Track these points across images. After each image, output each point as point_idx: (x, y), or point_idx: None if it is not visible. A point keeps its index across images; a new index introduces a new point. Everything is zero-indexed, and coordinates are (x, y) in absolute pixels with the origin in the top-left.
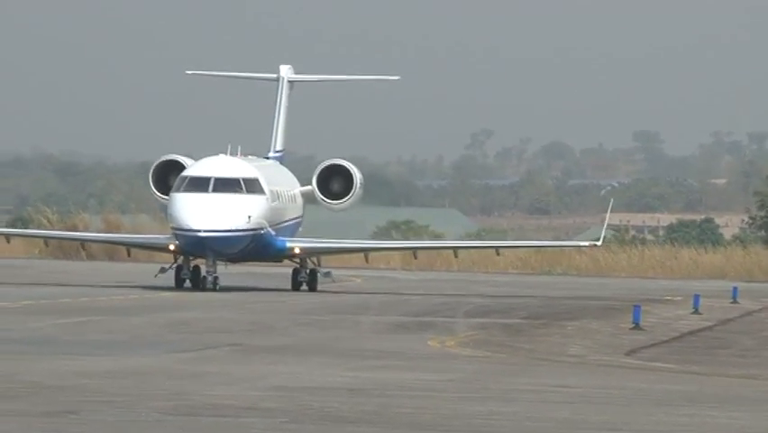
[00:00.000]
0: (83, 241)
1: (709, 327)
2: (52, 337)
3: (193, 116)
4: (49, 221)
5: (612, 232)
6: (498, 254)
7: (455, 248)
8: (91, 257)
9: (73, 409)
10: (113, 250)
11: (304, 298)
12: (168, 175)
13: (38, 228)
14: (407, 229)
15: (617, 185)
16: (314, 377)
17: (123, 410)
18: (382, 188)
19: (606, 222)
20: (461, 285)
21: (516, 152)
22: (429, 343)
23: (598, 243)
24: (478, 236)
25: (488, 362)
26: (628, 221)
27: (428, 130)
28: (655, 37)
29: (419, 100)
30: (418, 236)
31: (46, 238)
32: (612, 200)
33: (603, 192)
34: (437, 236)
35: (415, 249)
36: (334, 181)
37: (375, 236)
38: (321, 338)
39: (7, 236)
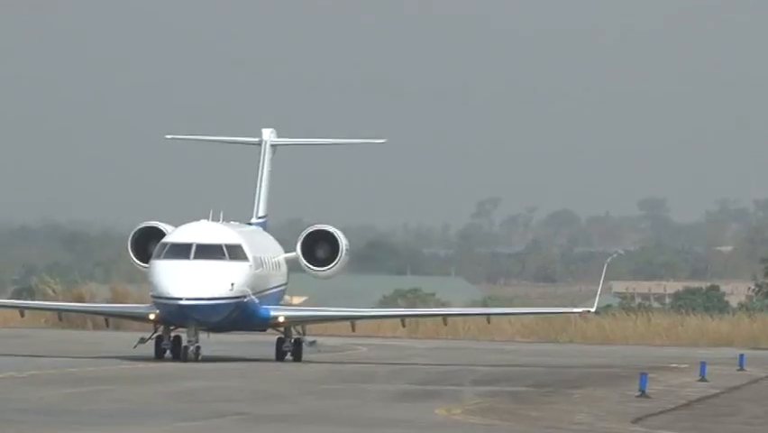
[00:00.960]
0: (60, 311)
1: (716, 395)
2: (59, 407)
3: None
4: (54, 291)
5: (618, 299)
6: (488, 322)
7: (445, 315)
8: (98, 327)
9: None
10: (119, 320)
11: (308, 366)
12: (147, 242)
13: (43, 299)
14: (414, 297)
15: (623, 252)
16: None
17: None
18: (389, 257)
19: (600, 288)
20: (467, 353)
21: (523, 220)
22: (436, 411)
23: (592, 309)
24: (484, 304)
25: (495, 430)
26: (634, 289)
27: (434, 198)
28: (660, 107)
29: (424, 166)
30: (425, 304)
31: (21, 309)
32: (606, 265)
33: (609, 260)
34: (443, 304)
35: (403, 317)
36: (320, 247)
37: (381, 305)
38: (327, 407)
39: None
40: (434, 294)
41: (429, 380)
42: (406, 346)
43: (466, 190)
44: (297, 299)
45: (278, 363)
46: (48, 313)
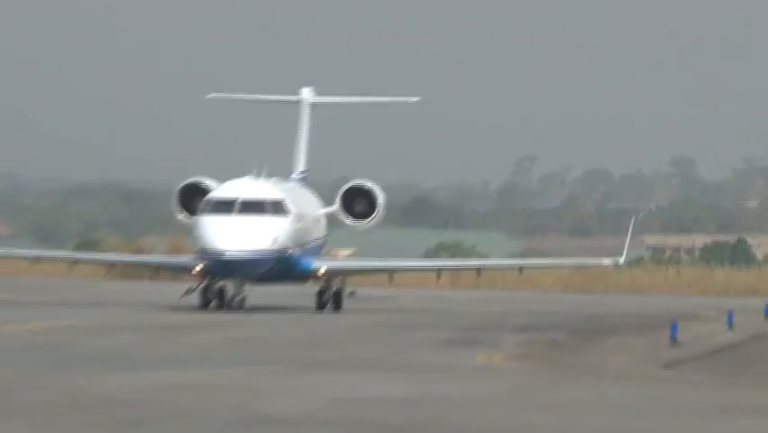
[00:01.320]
0: (111, 263)
1: (743, 342)
2: (119, 353)
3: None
4: (114, 245)
5: (650, 252)
6: (520, 273)
7: (479, 267)
8: (155, 278)
9: (140, 421)
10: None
11: (354, 315)
12: (191, 197)
13: (103, 252)
14: (455, 251)
15: (654, 208)
16: (368, 389)
17: (188, 422)
18: (432, 212)
19: (627, 241)
20: (506, 303)
21: (559, 177)
22: (477, 357)
23: (621, 260)
24: (521, 257)
25: (532, 375)
26: (665, 242)
27: (474, 156)
28: (689, 69)
29: (466, 125)
30: (466, 257)
31: (77, 261)
32: (633, 220)
33: (641, 215)
34: (483, 257)
35: (439, 269)
36: (358, 202)
37: (424, 257)
38: (374, 353)
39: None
40: (474, 247)
41: (470, 328)
42: (448, 297)
43: (505, 148)
44: (345, 252)
45: (329, 313)
46: (106, 265)
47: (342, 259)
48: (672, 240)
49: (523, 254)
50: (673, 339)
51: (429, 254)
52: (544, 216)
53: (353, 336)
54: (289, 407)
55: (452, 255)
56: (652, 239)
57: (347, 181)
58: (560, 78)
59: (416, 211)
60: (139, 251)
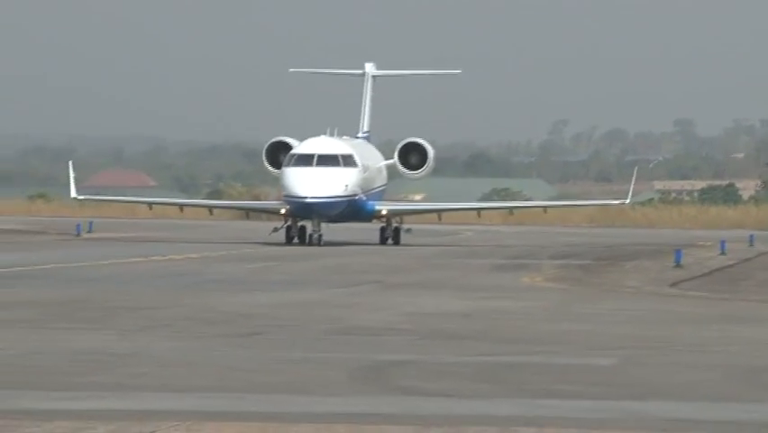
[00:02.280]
0: (210, 207)
1: (733, 265)
2: (243, 278)
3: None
4: (238, 192)
5: (658, 195)
6: (545, 212)
7: (510, 207)
8: (272, 219)
9: (258, 331)
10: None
11: (422, 247)
12: (277, 153)
13: (229, 199)
14: (506, 195)
15: (661, 159)
16: (437, 305)
17: (296, 331)
18: (486, 165)
19: (632, 186)
20: (545, 236)
21: (586, 136)
22: (522, 279)
23: (627, 201)
24: (558, 199)
25: (567, 293)
26: (670, 187)
27: (519, 119)
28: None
29: (513, 94)
30: (513, 199)
31: (181, 206)
32: (636, 169)
33: (651, 165)
34: (527, 199)
35: (478, 209)
36: (412, 156)
37: (480, 200)
38: (441, 277)
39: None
40: (520, 191)
41: (516, 256)
42: (500, 231)
43: (543, 112)
44: (417, 196)
45: (390, 246)
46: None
47: (400, 202)
48: (676, 185)
49: (558, 197)
50: (677, 263)
51: (484, 199)
52: (575, 166)
53: (423, 264)
54: (374, 320)
55: (502, 199)
56: (659, 184)
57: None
58: (586, 53)
59: (474, 164)
60: (256, 198)
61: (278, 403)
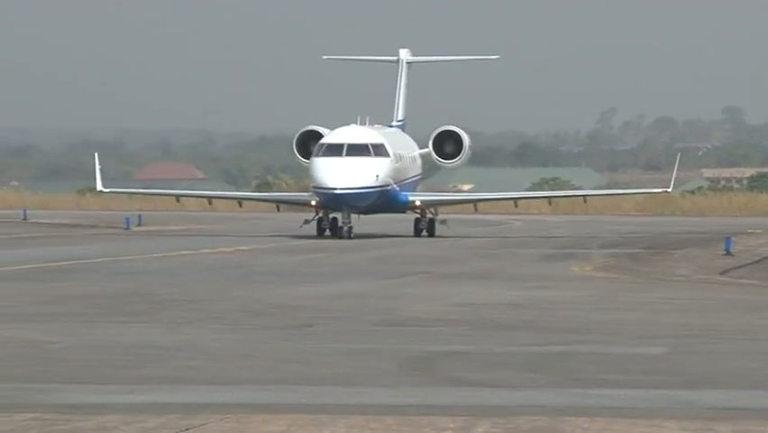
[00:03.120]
0: (240, 200)
1: None
2: (292, 270)
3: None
4: (287, 184)
5: (708, 183)
6: (585, 201)
7: (549, 197)
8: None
9: (308, 322)
10: None
11: (474, 238)
12: (308, 142)
13: (278, 191)
14: (554, 184)
15: (710, 147)
16: (486, 295)
17: (345, 323)
18: (535, 154)
19: (674, 174)
20: (594, 225)
21: (635, 124)
22: (572, 268)
23: (669, 189)
24: (607, 187)
25: (616, 282)
26: (720, 174)
27: (567, 108)
28: (741, 33)
29: (561, 83)
30: (562, 189)
31: (209, 198)
32: (679, 155)
33: (700, 153)
34: (576, 188)
35: (516, 199)
36: (447, 144)
37: (529, 190)
38: (490, 267)
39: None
40: (569, 181)
41: (565, 246)
42: (548, 221)
43: (591, 102)
44: (466, 186)
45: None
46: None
47: (436, 192)
48: (725, 173)
49: (607, 186)
50: (727, 251)
51: (533, 187)
52: (623, 155)
53: (471, 254)
54: (423, 311)
55: (552, 188)
56: (709, 172)
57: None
58: (633, 41)
59: (523, 154)
60: (305, 190)
61: (329, 395)
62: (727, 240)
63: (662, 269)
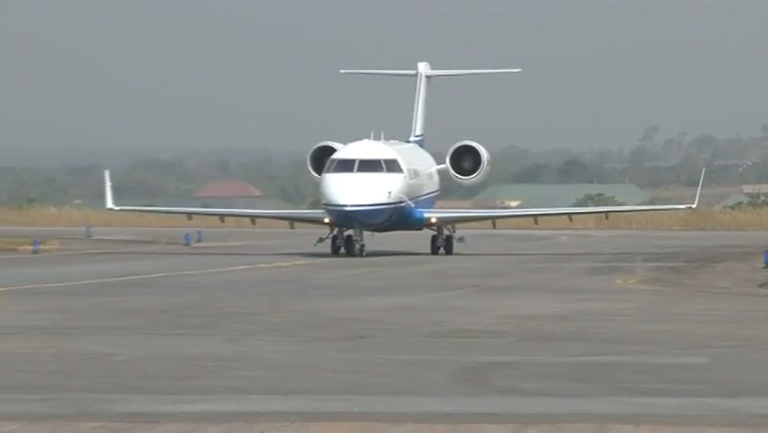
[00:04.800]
0: (253, 217)
1: None
2: (343, 283)
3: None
4: None
5: (747, 198)
6: (606, 218)
7: (570, 213)
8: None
9: (363, 334)
10: None
11: (523, 253)
12: (322, 159)
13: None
14: (599, 200)
15: (750, 164)
16: (533, 308)
17: (397, 334)
18: (580, 171)
19: (699, 189)
20: (637, 239)
21: (677, 142)
22: (616, 281)
23: (693, 205)
24: (650, 203)
25: (659, 294)
26: (759, 190)
27: (611, 126)
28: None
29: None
30: (606, 205)
31: (221, 216)
32: (704, 169)
33: (740, 170)
34: (620, 204)
35: (534, 215)
36: (465, 160)
37: (576, 205)
38: (537, 280)
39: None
40: (613, 197)
41: (610, 259)
42: (594, 235)
43: (634, 120)
44: (513, 203)
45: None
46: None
47: (452, 209)
48: (765, 188)
49: (650, 202)
50: (767, 264)
51: (578, 203)
52: (665, 172)
53: (519, 267)
54: (473, 323)
55: (596, 204)
56: (748, 188)
57: (516, 149)
58: (675, 61)
59: (568, 171)
60: None
61: (382, 404)
62: (767, 253)
63: (704, 282)
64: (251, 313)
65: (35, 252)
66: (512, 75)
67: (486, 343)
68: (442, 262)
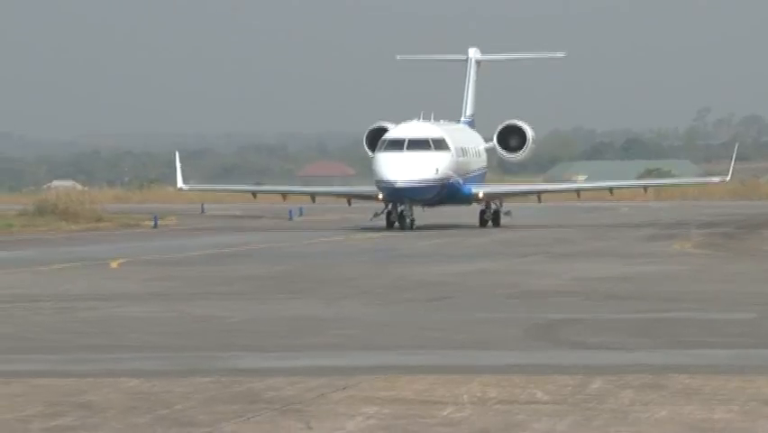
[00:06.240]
0: (313, 195)
1: None
2: (434, 252)
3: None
4: None
5: None
6: (645, 192)
7: (611, 187)
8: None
9: (447, 295)
10: None
11: (595, 222)
12: (377, 138)
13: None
14: (657, 174)
15: None
16: (598, 271)
17: (479, 295)
18: (640, 148)
19: (732, 163)
20: (691, 210)
21: (726, 121)
22: (673, 246)
23: (727, 178)
24: (704, 175)
25: (711, 257)
26: None
27: (669, 107)
28: None
29: (663, 85)
30: (662, 179)
31: (283, 194)
32: (737, 144)
33: None
34: (676, 178)
35: (579, 190)
36: (512, 138)
37: (636, 179)
38: (602, 246)
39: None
40: (669, 171)
41: (667, 227)
42: (652, 206)
43: (689, 102)
44: (580, 177)
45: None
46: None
47: (501, 184)
48: None
49: (704, 175)
50: None
51: (639, 177)
52: (717, 148)
53: (585, 235)
54: (545, 285)
55: (655, 177)
56: None
57: (560, 132)
58: (727, 46)
59: (630, 148)
60: None
61: (465, 357)
62: None
63: (751, 245)
64: (347, 279)
65: (155, 227)
66: (568, 60)
67: (557, 302)
68: (512, 231)
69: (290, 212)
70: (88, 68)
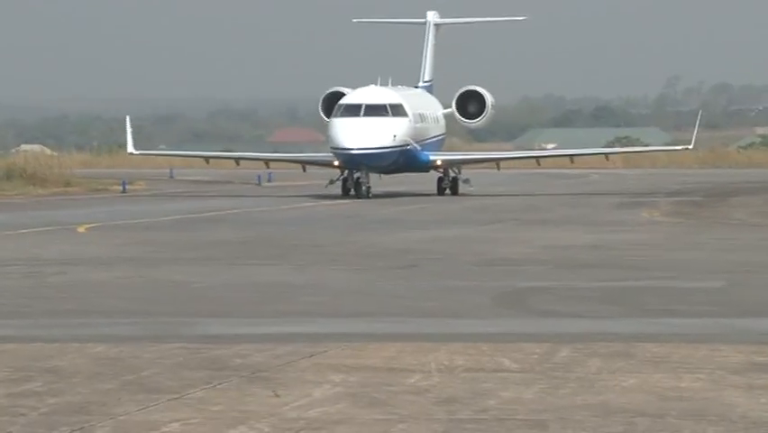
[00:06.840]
0: (267, 160)
1: None
2: (395, 219)
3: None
4: None
5: (760, 139)
6: (607, 159)
7: (571, 155)
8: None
9: (414, 263)
10: None
11: (564, 190)
12: (334, 103)
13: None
14: (626, 142)
15: (761, 108)
16: (568, 239)
17: (446, 263)
18: (609, 116)
19: (695, 131)
20: (661, 177)
21: (696, 90)
22: (642, 214)
23: (690, 146)
24: (673, 144)
25: (680, 225)
26: None
27: (637, 74)
28: None
29: (630, 51)
30: (633, 146)
31: (236, 159)
32: (701, 113)
33: (753, 114)
34: (645, 146)
35: (534, 157)
36: (470, 104)
37: (605, 146)
38: (571, 214)
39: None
40: (638, 139)
41: (636, 194)
42: (621, 174)
43: (657, 69)
44: (550, 145)
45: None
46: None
47: (457, 152)
48: None
49: (672, 142)
50: None
51: (607, 145)
52: (686, 116)
53: (555, 202)
54: (514, 252)
55: (623, 146)
56: (761, 130)
57: (532, 99)
58: (692, 16)
59: (599, 116)
60: None
61: (432, 325)
62: None
63: (721, 214)
64: (316, 245)
65: (124, 191)
66: (538, 27)
67: (525, 270)
68: (481, 199)
69: (258, 177)
70: (57, 32)
